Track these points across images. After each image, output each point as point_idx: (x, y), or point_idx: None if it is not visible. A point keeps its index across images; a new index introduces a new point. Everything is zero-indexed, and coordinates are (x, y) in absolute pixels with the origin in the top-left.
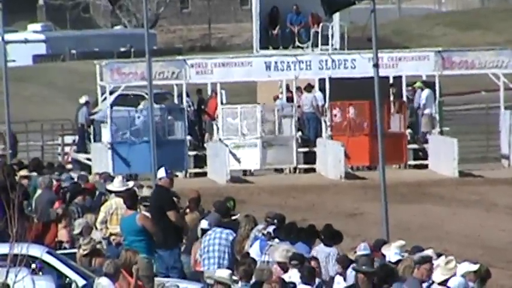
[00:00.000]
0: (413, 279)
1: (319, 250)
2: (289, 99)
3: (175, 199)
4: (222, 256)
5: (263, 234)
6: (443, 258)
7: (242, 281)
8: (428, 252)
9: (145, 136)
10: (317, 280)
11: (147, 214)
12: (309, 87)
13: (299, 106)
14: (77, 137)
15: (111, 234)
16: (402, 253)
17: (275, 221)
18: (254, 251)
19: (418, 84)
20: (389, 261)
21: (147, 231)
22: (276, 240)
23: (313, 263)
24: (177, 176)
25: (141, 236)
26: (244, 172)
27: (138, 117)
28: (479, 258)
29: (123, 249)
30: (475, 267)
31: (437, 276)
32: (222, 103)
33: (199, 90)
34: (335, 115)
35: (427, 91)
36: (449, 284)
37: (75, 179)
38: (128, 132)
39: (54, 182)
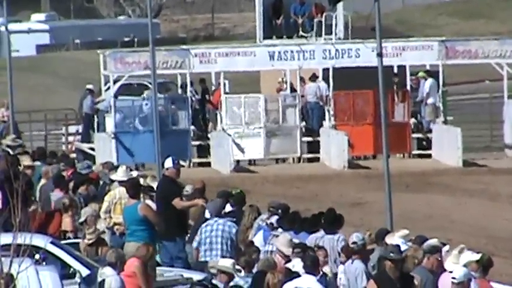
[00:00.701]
0: (421, 269)
1: (325, 239)
2: (292, 90)
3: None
4: (226, 249)
5: (266, 224)
6: (447, 247)
7: (244, 270)
8: (433, 241)
9: (149, 125)
10: (326, 268)
11: (150, 203)
12: (314, 77)
13: (302, 96)
14: (80, 127)
15: (115, 224)
16: (407, 242)
17: (279, 210)
18: (258, 240)
19: (421, 74)
20: None
21: (149, 220)
22: (280, 230)
23: (320, 253)
24: (183, 166)
25: (143, 225)
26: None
27: (146, 105)
28: (483, 247)
29: (144, 243)
30: (477, 256)
31: (450, 265)
32: (225, 93)
33: (202, 79)
34: (339, 104)
35: (430, 80)
36: (453, 274)
37: (84, 169)
38: (137, 120)
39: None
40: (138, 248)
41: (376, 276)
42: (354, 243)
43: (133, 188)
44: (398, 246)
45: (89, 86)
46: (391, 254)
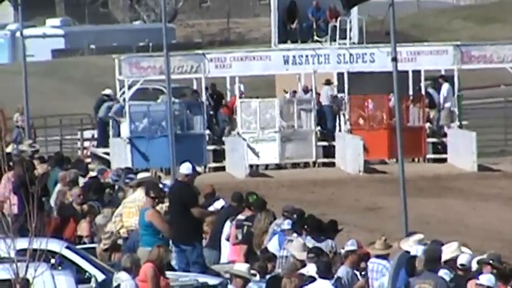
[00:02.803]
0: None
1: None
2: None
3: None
4: None
5: (282, 229)
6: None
7: (259, 275)
8: (454, 244)
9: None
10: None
11: (158, 210)
12: (328, 81)
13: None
14: (96, 132)
15: (122, 227)
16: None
17: (294, 215)
18: (273, 245)
19: (427, 83)
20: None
21: (154, 227)
22: (295, 234)
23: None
24: (199, 174)
25: (148, 230)
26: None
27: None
28: (499, 251)
29: (156, 245)
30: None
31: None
32: (240, 97)
33: (213, 84)
34: (354, 109)
35: (446, 85)
36: (480, 280)
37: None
38: (163, 123)
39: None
40: (151, 252)
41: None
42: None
43: (151, 188)
44: (498, 255)
45: (106, 92)
46: (491, 261)
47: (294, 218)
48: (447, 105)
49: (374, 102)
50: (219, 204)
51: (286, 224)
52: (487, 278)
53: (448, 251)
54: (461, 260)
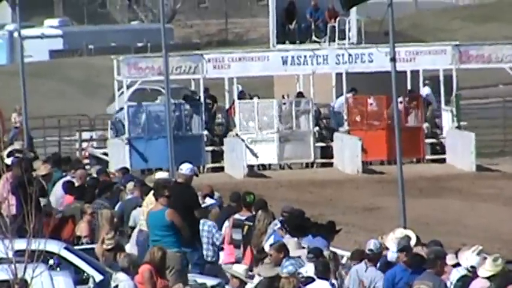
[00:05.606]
0: (429, 274)
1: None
2: (300, 95)
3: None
4: (207, 247)
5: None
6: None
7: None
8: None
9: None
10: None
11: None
12: (353, 89)
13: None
14: (94, 133)
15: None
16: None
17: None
18: (267, 246)
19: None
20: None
21: (175, 226)
22: (288, 236)
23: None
24: (197, 175)
25: (170, 231)
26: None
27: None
28: (498, 252)
29: (152, 246)
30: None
31: (484, 272)
32: (238, 98)
33: (206, 89)
34: (352, 109)
35: (427, 89)
36: None
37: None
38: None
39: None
40: (147, 253)
41: None
42: (370, 250)
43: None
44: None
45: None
46: None
47: (287, 218)
48: (431, 107)
49: (373, 102)
50: (209, 201)
51: (279, 224)
52: None
53: (469, 255)
54: (472, 261)
